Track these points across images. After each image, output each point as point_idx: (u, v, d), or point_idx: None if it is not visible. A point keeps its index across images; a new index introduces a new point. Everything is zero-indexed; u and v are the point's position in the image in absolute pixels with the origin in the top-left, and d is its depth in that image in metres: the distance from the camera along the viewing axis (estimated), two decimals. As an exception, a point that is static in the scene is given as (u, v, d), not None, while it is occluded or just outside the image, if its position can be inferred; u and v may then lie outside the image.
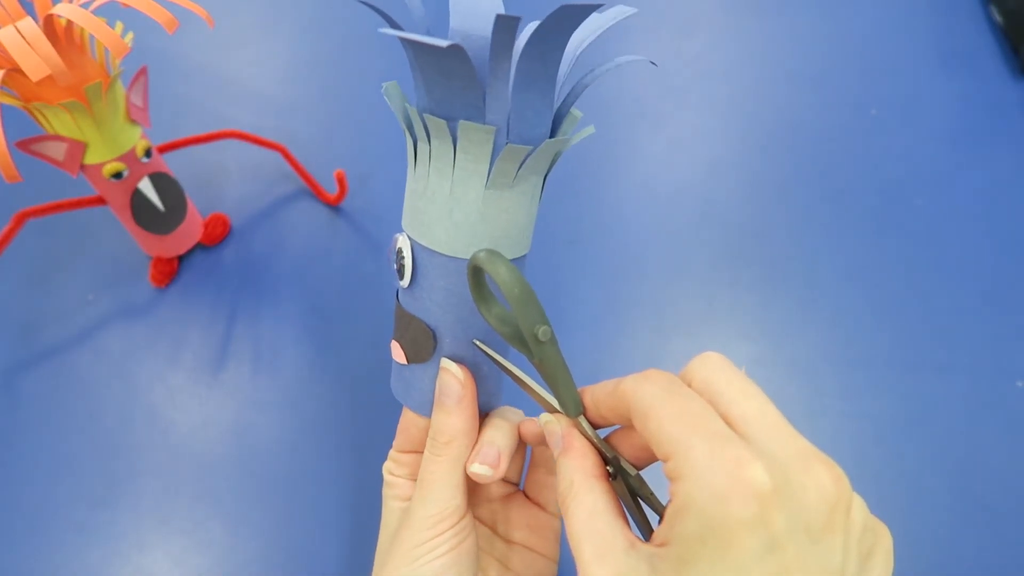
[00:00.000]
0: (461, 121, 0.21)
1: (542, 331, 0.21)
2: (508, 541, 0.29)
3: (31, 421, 0.39)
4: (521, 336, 0.22)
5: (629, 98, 0.55)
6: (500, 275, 0.20)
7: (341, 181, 0.47)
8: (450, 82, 0.21)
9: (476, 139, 0.22)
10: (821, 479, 0.18)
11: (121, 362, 0.41)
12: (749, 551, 0.17)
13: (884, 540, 0.20)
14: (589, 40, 0.24)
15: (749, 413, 0.19)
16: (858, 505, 0.19)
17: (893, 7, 0.61)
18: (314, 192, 0.48)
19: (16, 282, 0.45)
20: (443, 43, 0.18)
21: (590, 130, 0.24)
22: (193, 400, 0.40)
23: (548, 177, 0.25)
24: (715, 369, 0.21)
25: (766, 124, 0.53)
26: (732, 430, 0.19)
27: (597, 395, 0.22)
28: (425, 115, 0.22)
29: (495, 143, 0.22)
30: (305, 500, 0.37)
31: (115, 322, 0.43)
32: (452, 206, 0.23)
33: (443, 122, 0.22)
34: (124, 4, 0.32)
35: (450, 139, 0.22)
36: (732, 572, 0.17)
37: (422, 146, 0.23)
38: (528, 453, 0.31)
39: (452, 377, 0.25)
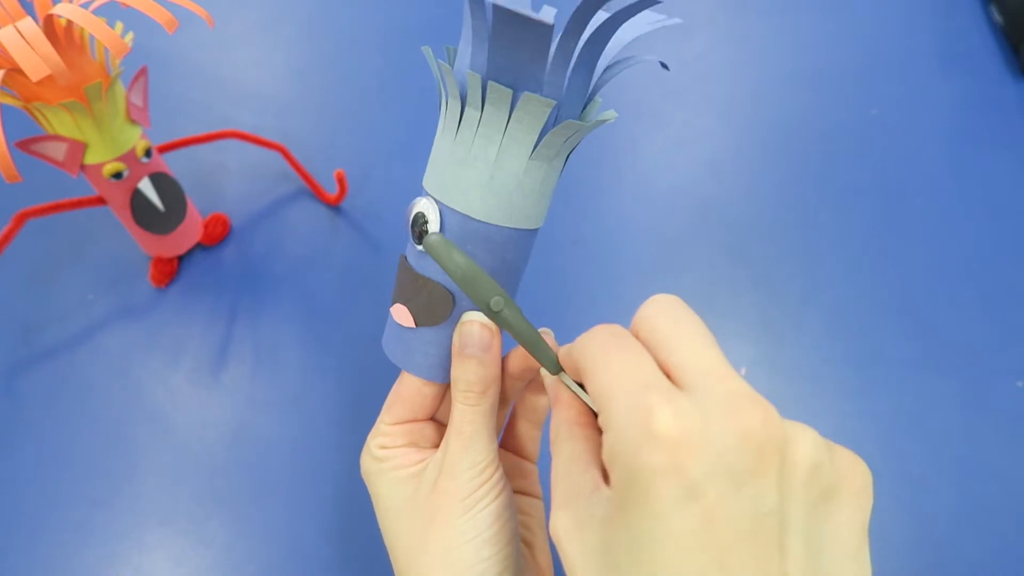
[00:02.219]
0: (525, 92, 0.22)
1: (494, 302, 0.23)
2: None
3: (31, 421, 0.39)
4: None
5: (629, 98, 0.55)
6: (452, 260, 0.22)
7: (341, 181, 0.47)
8: (520, 53, 0.21)
9: (534, 111, 0.22)
10: (747, 420, 0.17)
11: (121, 362, 0.41)
12: (666, 499, 0.17)
13: (853, 479, 0.19)
14: (627, 40, 0.25)
15: (685, 359, 0.19)
16: (805, 443, 0.18)
17: (893, 7, 0.61)
18: (314, 192, 0.48)
19: (16, 282, 0.45)
20: (548, 19, 0.19)
21: (613, 114, 0.25)
22: (193, 400, 0.40)
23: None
24: (659, 313, 0.21)
25: (766, 124, 0.53)
26: (667, 377, 0.19)
27: (563, 357, 0.23)
28: (489, 81, 0.22)
29: (549, 116, 0.23)
30: (305, 500, 0.37)
31: (115, 322, 0.43)
32: (494, 173, 0.24)
33: (508, 91, 0.22)
34: (124, 4, 0.32)
35: (507, 108, 0.23)
36: (655, 519, 0.17)
37: (471, 112, 0.23)
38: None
39: (482, 328, 0.25)
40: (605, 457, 0.19)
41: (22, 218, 0.38)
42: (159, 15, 0.32)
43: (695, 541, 0.17)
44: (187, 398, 0.40)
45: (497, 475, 0.25)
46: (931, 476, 0.38)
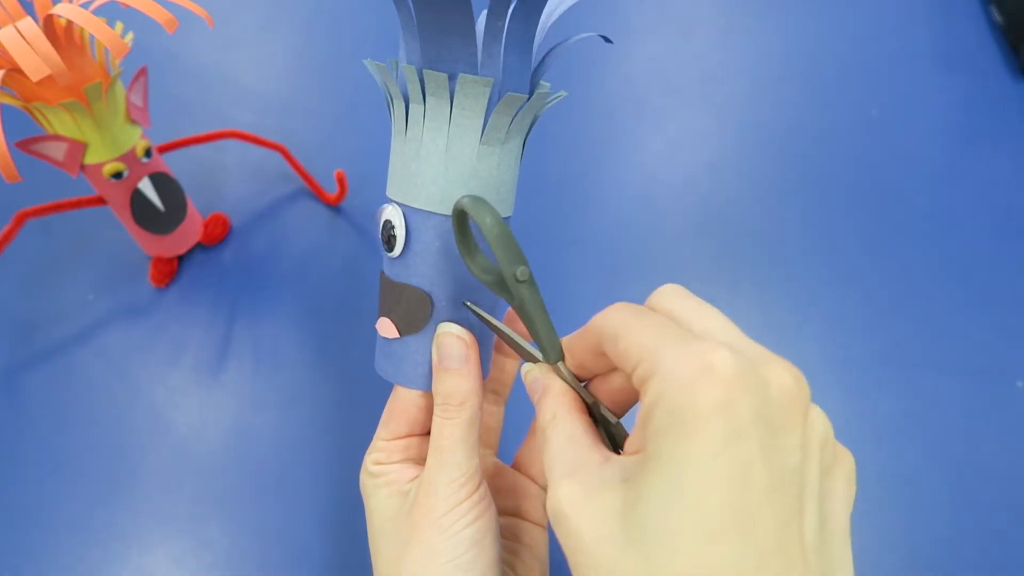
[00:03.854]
0: (461, 74, 0.22)
1: (520, 271, 0.22)
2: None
3: (31, 421, 0.39)
4: (503, 282, 0.23)
5: (629, 98, 0.55)
6: (483, 218, 0.21)
7: (341, 181, 0.47)
8: (448, 38, 0.22)
9: (473, 92, 0.23)
10: (782, 375, 0.18)
11: (121, 362, 0.41)
12: (716, 436, 0.16)
13: (846, 463, 0.20)
14: (558, 12, 0.26)
15: (710, 328, 0.20)
16: (818, 414, 0.19)
17: (893, 7, 0.61)
18: (314, 192, 0.48)
19: (16, 282, 0.45)
20: None
21: (563, 94, 0.26)
22: (193, 400, 0.40)
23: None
24: (674, 298, 0.21)
25: (766, 124, 0.53)
26: None
27: (570, 340, 0.23)
28: (425, 71, 0.23)
29: (490, 96, 0.23)
30: (305, 500, 0.37)
31: (115, 322, 0.43)
32: (447, 163, 0.24)
33: (443, 76, 0.22)
34: (124, 4, 0.32)
35: (447, 95, 0.23)
36: (698, 461, 0.17)
37: (415, 107, 0.24)
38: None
39: (455, 338, 0.25)
40: (644, 409, 0.18)
41: (22, 218, 0.38)
42: (159, 15, 0.32)
43: (735, 485, 0.16)
44: (187, 398, 0.40)
45: (477, 495, 0.24)
46: (931, 476, 0.38)
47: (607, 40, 0.27)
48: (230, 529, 0.36)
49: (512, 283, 0.22)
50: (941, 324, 0.43)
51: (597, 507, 0.18)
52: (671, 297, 0.21)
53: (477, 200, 0.22)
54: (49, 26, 0.31)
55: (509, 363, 0.28)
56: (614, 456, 0.20)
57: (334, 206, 0.48)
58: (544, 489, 0.29)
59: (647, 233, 0.47)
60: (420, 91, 0.23)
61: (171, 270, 0.44)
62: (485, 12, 0.22)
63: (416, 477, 0.26)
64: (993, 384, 0.41)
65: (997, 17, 0.59)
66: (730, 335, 0.19)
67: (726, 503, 0.16)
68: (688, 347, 0.18)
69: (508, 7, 0.21)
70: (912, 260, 0.46)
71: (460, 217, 0.23)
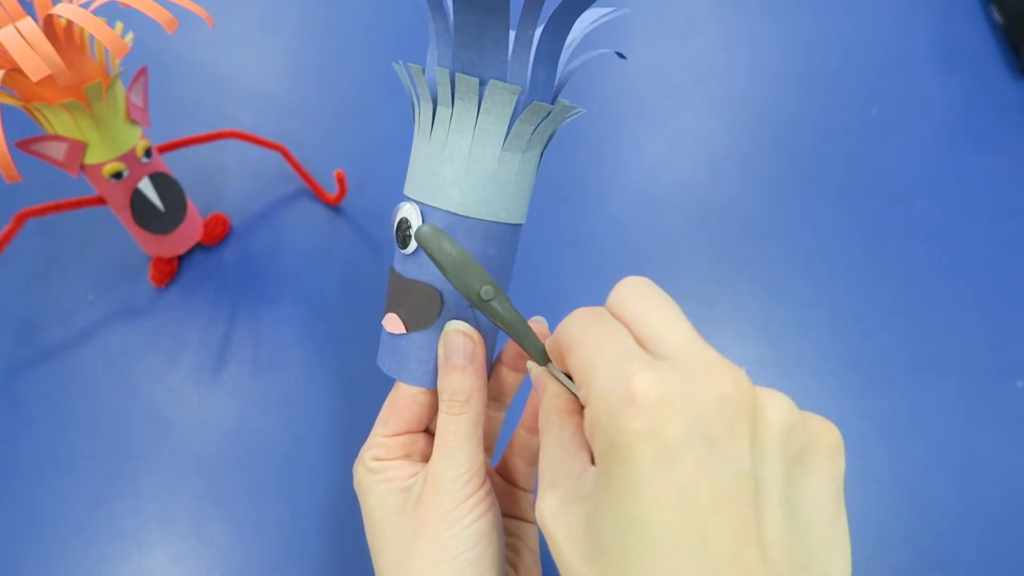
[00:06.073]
0: (491, 80, 0.23)
1: (484, 290, 0.23)
2: None
3: (31, 421, 0.39)
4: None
5: (629, 98, 0.55)
6: (442, 249, 0.22)
7: (341, 181, 0.47)
8: (483, 44, 0.23)
9: (500, 99, 0.24)
10: (720, 383, 0.18)
11: (121, 362, 0.41)
12: (645, 463, 0.17)
13: (825, 440, 0.19)
14: (584, 33, 0.26)
15: (656, 331, 0.20)
16: (778, 406, 0.18)
17: (893, 7, 0.61)
18: (314, 192, 0.48)
19: (16, 282, 0.45)
20: None
21: (582, 110, 0.26)
22: (193, 400, 0.40)
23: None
24: (628, 293, 0.21)
25: (766, 124, 0.53)
26: (642, 349, 0.19)
27: (548, 346, 0.24)
28: (457, 74, 0.23)
29: (516, 104, 0.24)
30: (305, 500, 0.37)
31: (115, 322, 0.43)
32: (469, 166, 0.24)
33: (475, 80, 0.23)
34: (124, 4, 0.32)
35: (476, 99, 0.24)
36: (635, 486, 0.17)
37: (442, 110, 0.24)
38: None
39: (463, 336, 0.25)
40: (587, 429, 0.19)
41: (22, 218, 0.38)
42: (159, 15, 0.32)
43: (674, 506, 0.17)
44: (187, 398, 0.40)
45: (483, 491, 0.25)
46: (931, 476, 0.38)
47: (621, 56, 0.28)
48: (230, 529, 0.36)
49: (479, 304, 0.23)
50: (941, 324, 0.43)
51: (568, 520, 0.19)
52: (627, 294, 0.21)
53: (436, 233, 0.23)
54: (49, 26, 0.31)
55: (512, 375, 0.28)
56: (590, 467, 0.20)
57: (334, 206, 0.48)
58: (526, 491, 0.30)
59: (646, 233, 0.47)
60: (450, 94, 0.24)
61: (171, 270, 0.44)
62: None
63: (416, 474, 0.26)
64: (993, 384, 0.41)
65: (997, 17, 0.59)
66: (674, 337, 0.19)
67: (668, 523, 0.17)
68: (616, 369, 0.18)
69: (538, 17, 0.22)
70: (912, 260, 0.46)
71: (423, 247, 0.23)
